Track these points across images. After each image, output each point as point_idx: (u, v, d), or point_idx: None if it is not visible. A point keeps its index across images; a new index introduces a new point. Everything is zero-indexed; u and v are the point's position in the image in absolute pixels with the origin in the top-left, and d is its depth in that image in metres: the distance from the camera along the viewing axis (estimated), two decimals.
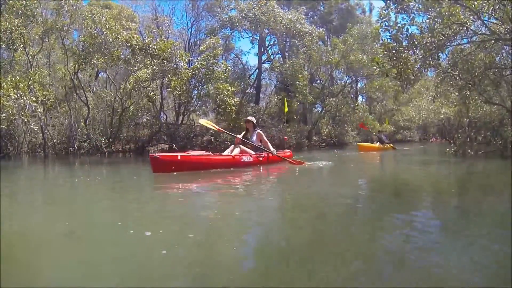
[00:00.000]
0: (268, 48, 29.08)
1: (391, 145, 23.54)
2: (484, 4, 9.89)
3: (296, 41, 24.26)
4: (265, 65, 30.20)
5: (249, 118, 10.86)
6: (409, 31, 10.34)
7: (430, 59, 10.85)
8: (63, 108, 20.58)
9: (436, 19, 10.24)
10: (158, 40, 17.80)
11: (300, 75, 23.80)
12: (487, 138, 16.42)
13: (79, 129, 19.63)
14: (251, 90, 28.65)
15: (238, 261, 2.76)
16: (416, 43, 10.23)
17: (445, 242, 3.38)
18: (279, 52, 30.12)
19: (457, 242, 3.37)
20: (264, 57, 29.01)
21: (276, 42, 28.40)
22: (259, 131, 10.54)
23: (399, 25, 10.29)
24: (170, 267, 2.53)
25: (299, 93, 24.35)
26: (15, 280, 2.35)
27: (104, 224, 3.86)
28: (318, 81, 30.72)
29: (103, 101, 21.20)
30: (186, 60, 19.17)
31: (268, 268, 2.65)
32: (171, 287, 2.26)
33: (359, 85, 37.19)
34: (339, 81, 32.80)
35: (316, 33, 24.13)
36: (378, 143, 22.50)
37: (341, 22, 33.97)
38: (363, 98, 40.07)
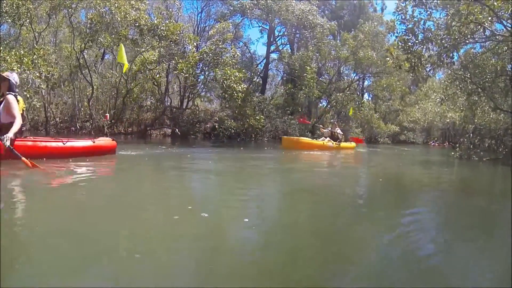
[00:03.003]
0: (277, 39, 28.77)
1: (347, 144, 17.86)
2: (503, 6, 9.67)
3: (307, 33, 23.91)
4: (273, 56, 29.93)
5: (5, 74, 6.14)
6: (426, 25, 10.12)
7: (445, 56, 10.62)
8: (67, 87, 20.39)
9: (454, 17, 10.00)
10: (167, 22, 17.56)
11: (308, 67, 23.58)
12: (491, 146, 16.36)
13: (82, 109, 19.45)
14: (258, 80, 28.38)
15: None
16: (432, 38, 9.99)
17: (449, 243, 3.37)
18: (287, 43, 29.81)
19: (461, 243, 3.32)
20: (272, 47, 28.70)
21: (285, 33, 28.07)
22: (10, 96, 5.93)
23: (415, 19, 10.05)
24: None
25: (305, 86, 24.13)
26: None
27: None
28: (325, 76, 30.51)
29: (108, 82, 20.98)
30: (195, 44, 18.91)
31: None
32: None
33: (366, 83, 37.00)
34: (346, 77, 32.61)
35: (328, 26, 23.85)
36: (327, 139, 16.19)
37: (351, 19, 33.68)
38: (369, 96, 39.81)
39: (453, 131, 31.30)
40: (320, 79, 28.70)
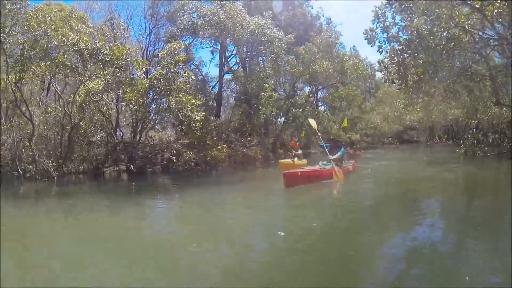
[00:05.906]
0: (229, 58, 27.62)
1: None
2: (490, 6, 9.13)
3: (262, 48, 22.82)
4: (227, 76, 28.73)
5: None
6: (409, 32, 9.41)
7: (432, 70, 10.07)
8: (4, 126, 18.14)
9: (435, 22, 9.32)
10: (111, 44, 15.91)
11: (266, 85, 22.67)
12: (495, 140, 16.72)
13: (23, 149, 17.23)
14: (212, 103, 27.10)
15: None
16: (419, 48, 9.25)
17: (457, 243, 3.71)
18: (239, 62, 28.74)
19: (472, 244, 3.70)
20: (225, 68, 27.54)
21: (237, 53, 26.98)
22: None
23: (398, 26, 9.30)
24: None
25: (263, 105, 23.20)
26: None
27: None
28: (281, 92, 29.89)
29: (50, 116, 18.84)
30: (144, 69, 17.30)
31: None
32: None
33: (319, 94, 36.72)
34: (299, 92, 32.24)
35: (285, 39, 23.08)
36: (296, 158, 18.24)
37: (299, 34, 33.23)
38: (324, 108, 39.57)
39: (456, 127, 32.15)
40: (276, 95, 27.88)
